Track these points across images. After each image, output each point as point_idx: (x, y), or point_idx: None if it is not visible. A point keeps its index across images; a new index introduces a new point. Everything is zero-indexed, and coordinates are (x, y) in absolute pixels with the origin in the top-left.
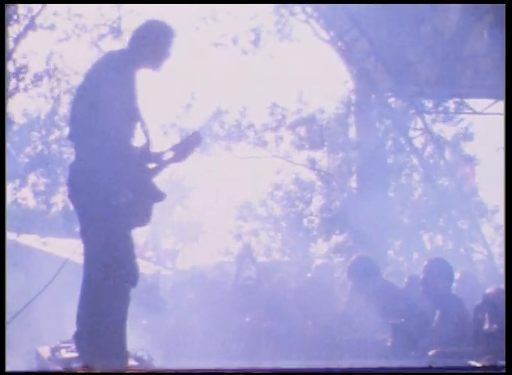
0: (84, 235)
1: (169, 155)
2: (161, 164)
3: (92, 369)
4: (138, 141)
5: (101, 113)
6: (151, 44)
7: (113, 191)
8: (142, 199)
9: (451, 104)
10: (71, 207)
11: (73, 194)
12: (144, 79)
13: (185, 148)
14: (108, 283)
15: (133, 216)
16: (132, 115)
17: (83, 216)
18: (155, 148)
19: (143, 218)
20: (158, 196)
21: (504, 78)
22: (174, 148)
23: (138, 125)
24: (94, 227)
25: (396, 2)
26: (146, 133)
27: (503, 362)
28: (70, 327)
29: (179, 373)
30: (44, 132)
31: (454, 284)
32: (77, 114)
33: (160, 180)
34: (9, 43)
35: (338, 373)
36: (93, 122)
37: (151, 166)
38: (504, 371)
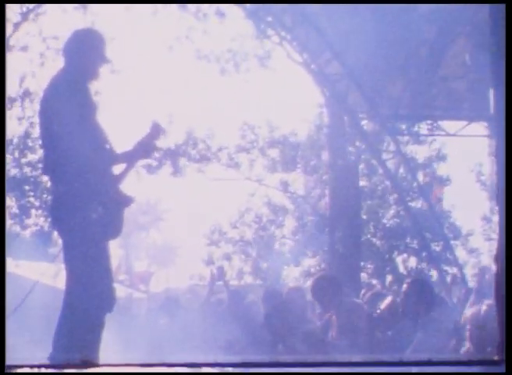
0: (65, 259)
1: (135, 152)
2: (128, 165)
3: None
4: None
5: (65, 137)
6: (91, 55)
7: (86, 205)
8: (112, 208)
9: (424, 126)
10: (45, 230)
11: (53, 218)
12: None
13: (148, 141)
14: (86, 308)
15: (106, 228)
16: (93, 128)
17: (62, 238)
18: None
19: (115, 228)
20: (127, 201)
21: (504, 81)
22: (138, 145)
23: (101, 136)
24: (73, 249)
25: (393, 2)
26: (108, 141)
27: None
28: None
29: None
30: (16, 154)
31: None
32: (44, 147)
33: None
34: None
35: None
36: (60, 149)
37: (117, 172)
38: (505, 371)
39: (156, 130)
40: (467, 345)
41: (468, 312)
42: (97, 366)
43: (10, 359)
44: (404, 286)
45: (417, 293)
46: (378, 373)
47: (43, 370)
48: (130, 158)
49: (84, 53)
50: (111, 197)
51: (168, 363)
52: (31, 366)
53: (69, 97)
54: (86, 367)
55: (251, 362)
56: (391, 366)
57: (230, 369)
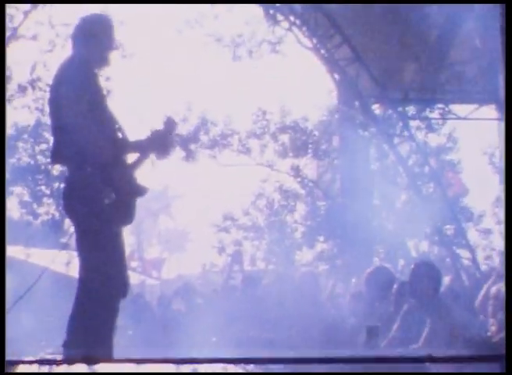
0: (79, 246)
1: (148, 144)
2: (141, 156)
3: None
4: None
5: (74, 125)
6: (99, 41)
7: (98, 191)
8: (124, 196)
9: (435, 110)
10: (56, 218)
11: (65, 205)
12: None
13: (163, 139)
14: (100, 294)
15: (118, 215)
16: (104, 115)
17: (77, 227)
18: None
19: (128, 216)
20: (140, 191)
21: (504, 79)
22: (152, 137)
23: (113, 123)
24: (86, 236)
25: (394, 2)
26: (120, 129)
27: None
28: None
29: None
30: (29, 143)
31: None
32: (54, 135)
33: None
34: None
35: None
36: (70, 136)
37: (131, 160)
38: (505, 371)
39: (170, 125)
40: (491, 321)
41: (492, 289)
42: (97, 362)
43: (19, 348)
44: (412, 267)
45: (422, 275)
46: (379, 372)
47: (44, 366)
48: (143, 149)
49: (92, 39)
50: (123, 185)
51: (170, 359)
52: (32, 362)
53: (78, 84)
54: (87, 363)
55: (253, 358)
56: (392, 362)
57: (233, 366)
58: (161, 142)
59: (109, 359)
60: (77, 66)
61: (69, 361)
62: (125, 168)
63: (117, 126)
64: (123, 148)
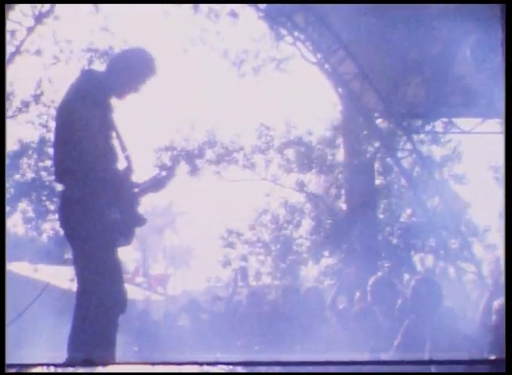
0: (75, 261)
1: (147, 185)
2: (141, 191)
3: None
4: (121, 165)
5: (82, 143)
6: (132, 75)
7: (102, 209)
8: (126, 221)
9: (439, 124)
10: (61, 233)
11: (64, 221)
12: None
13: (159, 182)
14: (97, 310)
15: (118, 235)
16: (112, 140)
17: (73, 241)
18: (137, 174)
19: (127, 238)
20: (140, 221)
21: (504, 82)
22: (150, 181)
23: (119, 150)
24: (83, 251)
25: (395, 2)
26: (127, 158)
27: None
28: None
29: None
30: (33, 159)
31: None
32: (59, 148)
33: (148, 205)
34: None
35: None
36: (76, 154)
37: (133, 190)
38: (504, 371)
39: (168, 174)
40: (491, 336)
41: (496, 303)
42: (100, 364)
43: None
44: (412, 283)
45: (423, 291)
46: (379, 372)
47: (44, 370)
48: (143, 188)
49: (127, 73)
50: (128, 209)
51: (173, 362)
52: (32, 365)
53: (91, 108)
54: (89, 366)
55: (254, 362)
56: (392, 365)
57: (232, 368)
58: (159, 186)
59: (107, 362)
60: (96, 86)
61: (69, 363)
62: (127, 196)
63: (126, 154)
64: (126, 178)
